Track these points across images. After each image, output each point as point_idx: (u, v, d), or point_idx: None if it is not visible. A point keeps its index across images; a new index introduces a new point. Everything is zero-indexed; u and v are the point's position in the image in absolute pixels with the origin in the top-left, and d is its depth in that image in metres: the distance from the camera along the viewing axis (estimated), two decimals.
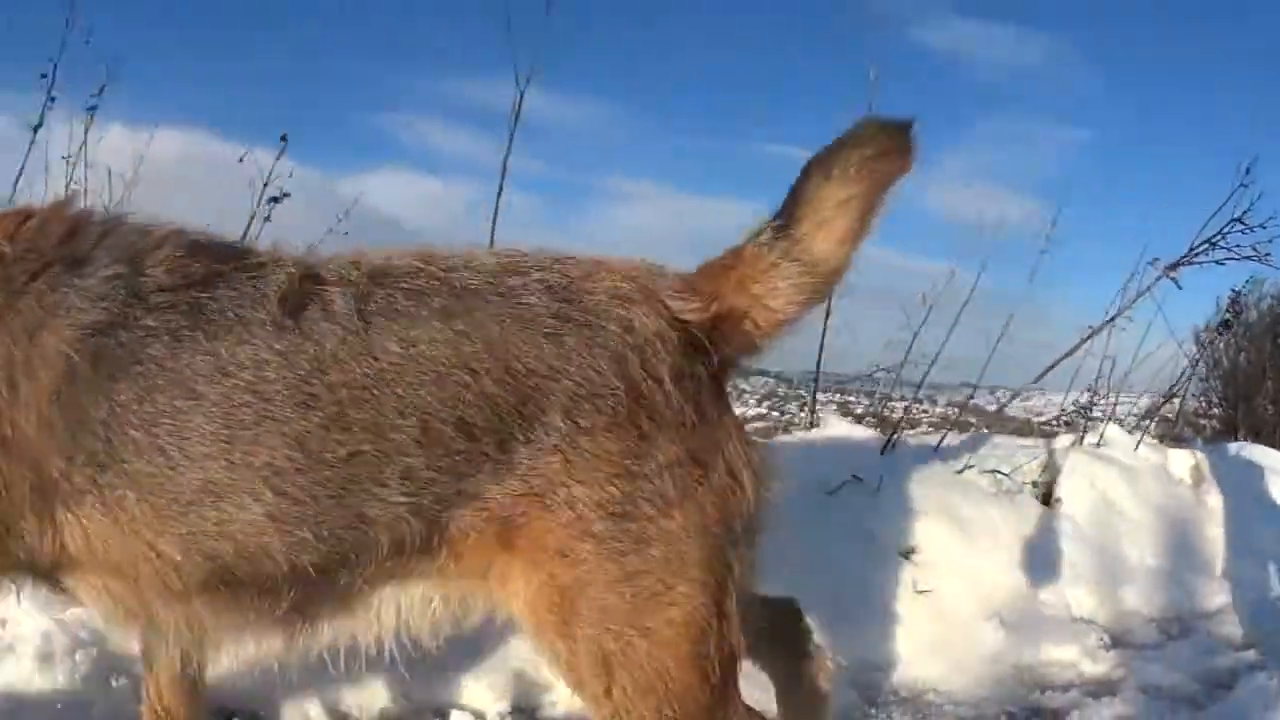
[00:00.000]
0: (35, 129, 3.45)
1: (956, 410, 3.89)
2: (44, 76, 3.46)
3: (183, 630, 1.44)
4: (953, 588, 2.69)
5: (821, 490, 2.65)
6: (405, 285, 1.36)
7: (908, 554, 2.70)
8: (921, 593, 2.60)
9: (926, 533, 2.76)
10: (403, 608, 1.46)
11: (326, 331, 1.32)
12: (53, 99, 3.48)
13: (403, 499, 1.32)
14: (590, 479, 1.32)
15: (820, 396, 4.43)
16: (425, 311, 1.34)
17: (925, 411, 4.01)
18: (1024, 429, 4.57)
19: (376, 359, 1.31)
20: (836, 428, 2.95)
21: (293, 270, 1.38)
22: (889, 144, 1.45)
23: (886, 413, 3.87)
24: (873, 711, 2.16)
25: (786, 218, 1.45)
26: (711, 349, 1.42)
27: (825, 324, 3.14)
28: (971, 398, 4.04)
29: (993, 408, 4.45)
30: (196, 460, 1.30)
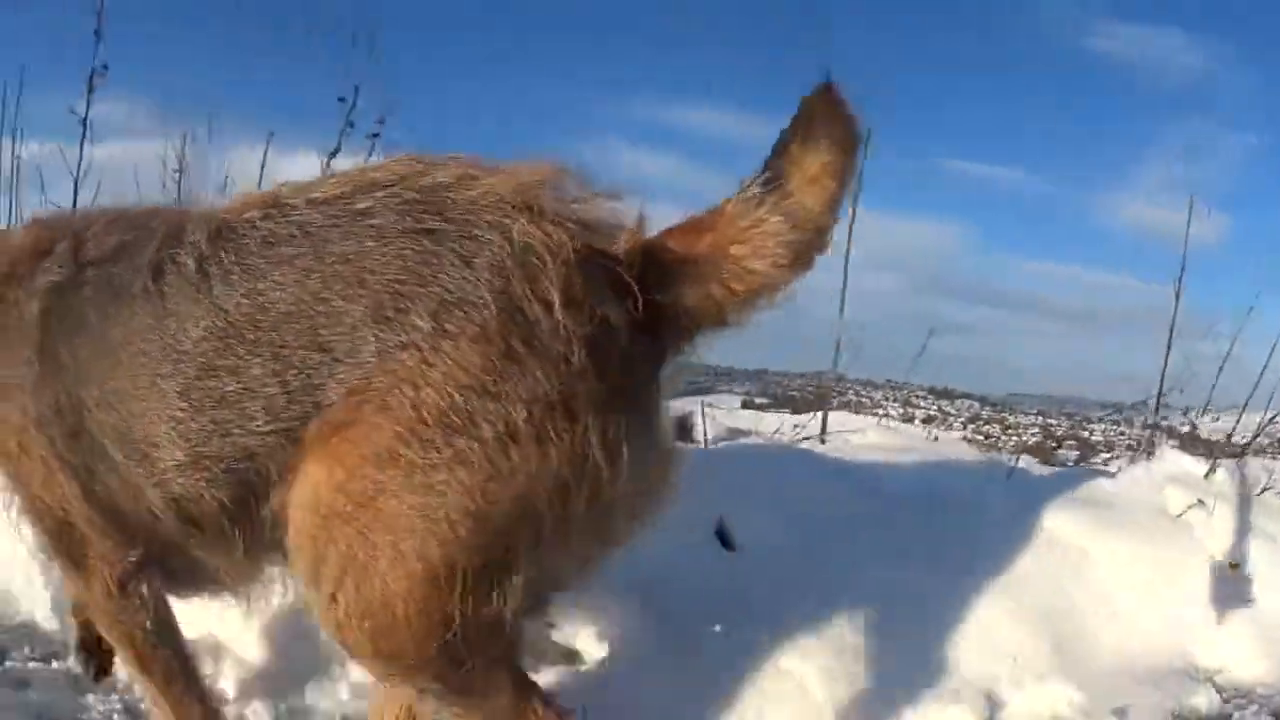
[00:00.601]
0: (331, 155, 3.67)
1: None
2: (342, 100, 3.70)
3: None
4: (1270, 600, 3.16)
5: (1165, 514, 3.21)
6: (248, 239, 1.34)
7: (1235, 567, 3.21)
8: (1248, 603, 3.12)
9: (1251, 549, 3.24)
10: None
11: (183, 295, 1.35)
12: (351, 125, 3.71)
13: (269, 428, 1.30)
14: (440, 384, 1.17)
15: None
16: (265, 263, 1.31)
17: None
18: None
19: (227, 312, 1.31)
20: (1170, 457, 3.47)
21: (160, 236, 1.41)
22: (845, 113, 1.36)
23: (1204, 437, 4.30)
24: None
25: (774, 173, 1.34)
26: (638, 293, 1.24)
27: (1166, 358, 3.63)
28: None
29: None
30: (136, 416, 1.38)
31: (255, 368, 1.30)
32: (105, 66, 3.63)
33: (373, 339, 1.23)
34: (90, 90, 3.66)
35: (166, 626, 1.61)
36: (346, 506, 1.22)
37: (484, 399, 1.17)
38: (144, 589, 1.54)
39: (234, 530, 1.41)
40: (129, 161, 3.57)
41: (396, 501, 1.20)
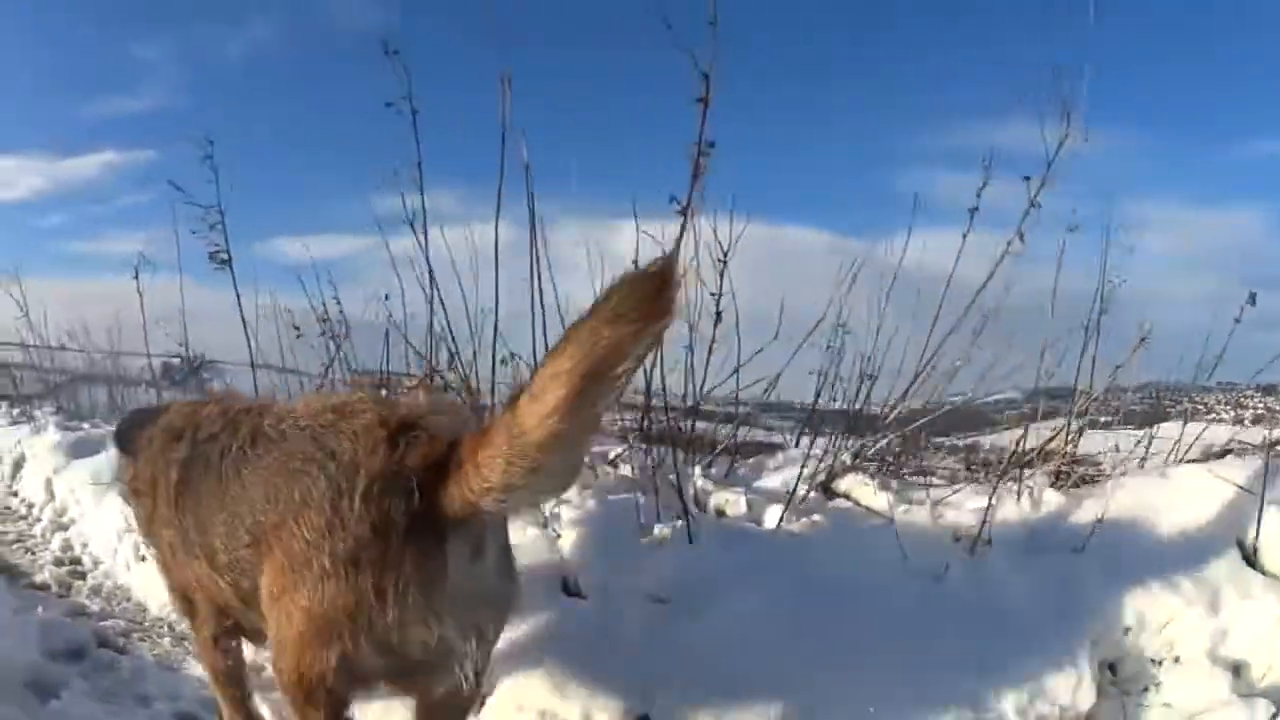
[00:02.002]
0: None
1: None
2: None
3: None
4: None
5: None
6: (256, 443, 2.00)
7: None
8: None
9: None
10: None
11: (225, 472, 2.04)
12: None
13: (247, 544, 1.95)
14: (301, 536, 1.76)
15: None
16: (249, 462, 1.98)
17: None
18: None
19: (238, 484, 1.98)
20: None
21: (229, 432, 2.10)
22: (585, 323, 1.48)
23: None
24: None
25: (518, 390, 1.60)
26: (416, 490, 1.66)
27: None
28: None
29: None
30: (208, 537, 2.09)
31: (244, 515, 1.95)
32: None
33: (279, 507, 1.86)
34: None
35: (237, 669, 2.41)
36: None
37: (313, 551, 1.74)
38: (230, 643, 2.34)
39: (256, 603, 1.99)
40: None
41: (276, 606, 1.83)
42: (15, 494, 7.21)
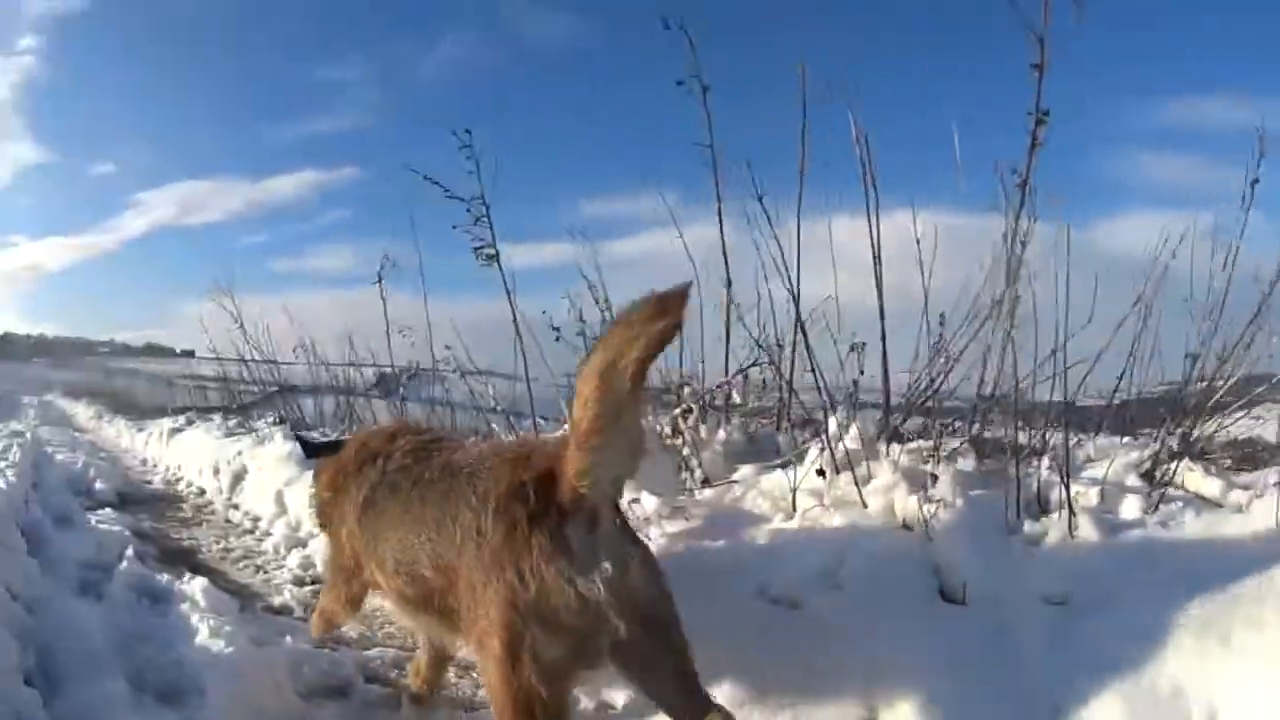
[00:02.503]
0: None
1: None
2: None
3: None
4: None
5: None
6: (420, 475, 2.47)
7: None
8: None
9: None
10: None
11: (410, 495, 2.45)
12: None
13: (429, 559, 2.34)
14: (464, 564, 2.17)
15: None
16: (426, 495, 2.39)
17: None
18: None
19: (412, 505, 2.41)
20: None
21: (417, 462, 2.53)
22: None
23: None
24: None
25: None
26: (532, 495, 2.07)
27: None
28: None
29: None
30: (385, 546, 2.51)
31: (421, 538, 2.37)
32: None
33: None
34: None
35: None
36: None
37: (472, 568, 2.14)
38: (357, 609, 2.86)
39: (420, 608, 2.44)
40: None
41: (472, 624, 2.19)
42: (236, 507, 7.05)
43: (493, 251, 3.98)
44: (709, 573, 2.73)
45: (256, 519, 6.32)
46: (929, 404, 3.29)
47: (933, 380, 3.25)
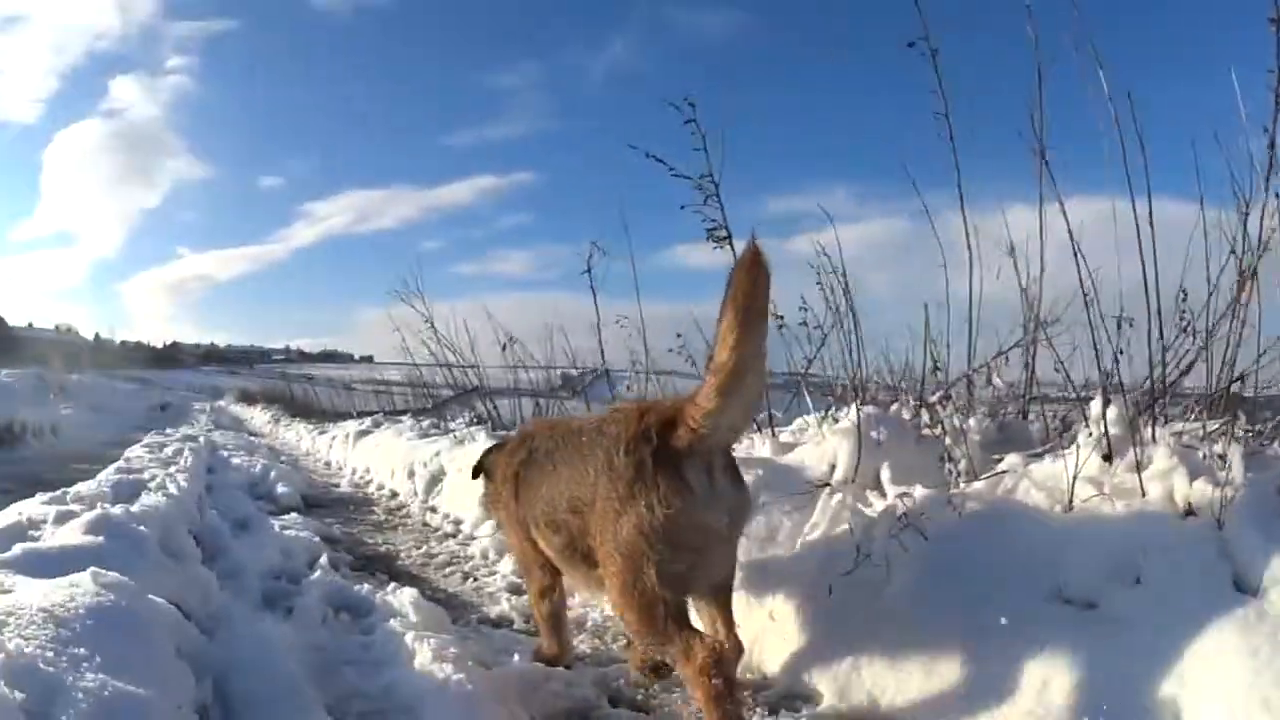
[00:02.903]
0: None
1: None
2: None
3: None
4: None
5: None
6: (555, 442, 2.98)
7: None
8: None
9: None
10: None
11: (552, 465, 2.95)
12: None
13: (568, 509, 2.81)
14: (600, 495, 2.60)
15: None
16: (561, 455, 2.91)
17: None
18: None
19: (554, 460, 2.92)
20: None
21: (555, 440, 2.99)
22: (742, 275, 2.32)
23: None
24: None
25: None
26: (654, 438, 2.50)
27: None
28: None
29: None
30: (534, 510, 3.04)
31: (563, 490, 2.85)
32: None
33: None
34: None
35: (557, 610, 3.20)
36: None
37: (608, 497, 2.56)
38: (552, 594, 3.17)
39: (569, 558, 2.89)
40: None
41: (602, 545, 2.61)
42: (434, 510, 6.76)
43: (724, 234, 3.78)
44: (996, 574, 2.80)
45: (458, 522, 6.07)
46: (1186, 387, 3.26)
47: (1191, 362, 3.22)
